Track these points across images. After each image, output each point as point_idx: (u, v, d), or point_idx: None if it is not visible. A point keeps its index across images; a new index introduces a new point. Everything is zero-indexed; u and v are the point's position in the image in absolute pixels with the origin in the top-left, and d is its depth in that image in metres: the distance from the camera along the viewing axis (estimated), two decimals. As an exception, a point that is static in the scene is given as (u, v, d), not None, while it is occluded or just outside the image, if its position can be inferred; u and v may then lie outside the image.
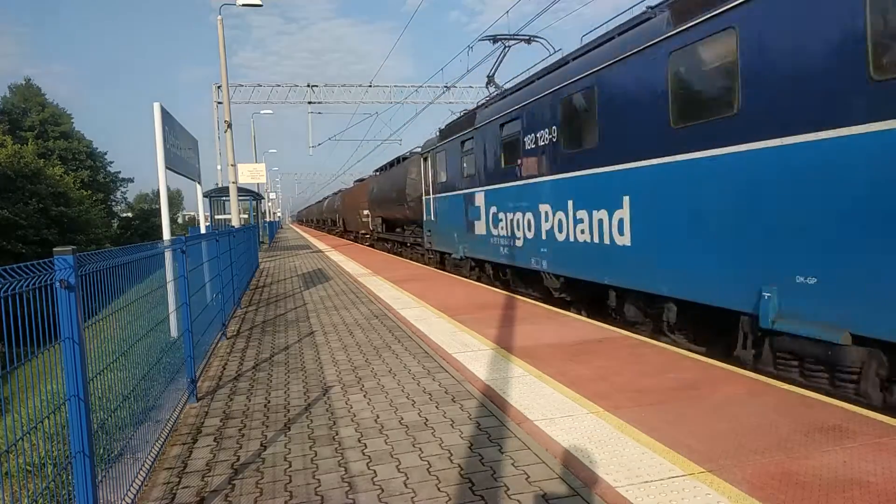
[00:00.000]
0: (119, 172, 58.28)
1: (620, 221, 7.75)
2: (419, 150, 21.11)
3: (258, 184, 33.88)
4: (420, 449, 4.05)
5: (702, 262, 6.28)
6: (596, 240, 8.35)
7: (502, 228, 11.88)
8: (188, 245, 5.69)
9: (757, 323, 5.51)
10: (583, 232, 8.73)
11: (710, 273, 6.17)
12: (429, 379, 5.69)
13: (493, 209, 12.30)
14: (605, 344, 6.71)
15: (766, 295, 5.37)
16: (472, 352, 6.64)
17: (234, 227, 17.26)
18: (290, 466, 3.87)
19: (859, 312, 4.63)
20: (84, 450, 2.70)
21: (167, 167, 7.69)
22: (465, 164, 14.09)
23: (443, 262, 19.03)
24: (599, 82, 8.10)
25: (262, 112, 38.65)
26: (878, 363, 4.78)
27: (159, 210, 9.26)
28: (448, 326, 8.13)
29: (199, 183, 10.85)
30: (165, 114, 7.69)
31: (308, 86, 33.45)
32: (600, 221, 8.23)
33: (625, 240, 7.67)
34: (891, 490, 3.15)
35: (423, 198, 18.08)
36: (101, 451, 3.09)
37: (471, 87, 34.59)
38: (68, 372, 2.66)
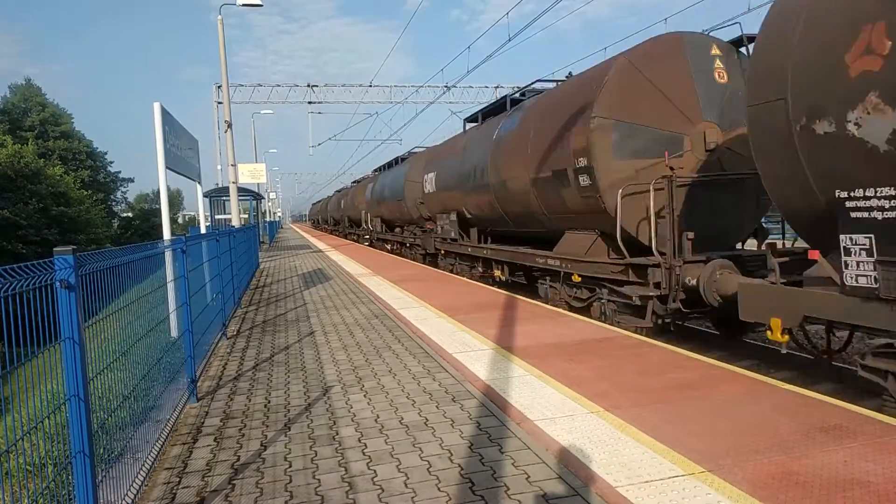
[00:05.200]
0: (119, 172, 58.25)
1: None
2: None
3: (258, 184, 33.86)
4: (420, 449, 4.04)
5: None
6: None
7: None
8: (188, 245, 5.69)
9: None
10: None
11: None
12: (429, 379, 5.69)
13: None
14: (605, 344, 6.71)
15: None
16: (472, 351, 6.64)
17: (234, 226, 17.26)
18: (291, 466, 3.87)
19: None
20: (84, 450, 2.70)
21: (167, 167, 7.69)
22: None
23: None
24: None
25: (262, 112, 38.70)
26: None
27: (159, 210, 9.26)
28: (448, 326, 8.12)
29: (199, 183, 10.84)
30: (165, 113, 7.68)
31: (308, 86, 33.47)
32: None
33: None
34: (891, 490, 3.15)
35: None
36: (102, 451, 3.09)
37: (471, 87, 34.62)
38: (68, 372, 2.66)
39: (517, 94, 13.50)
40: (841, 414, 4.24)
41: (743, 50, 8.55)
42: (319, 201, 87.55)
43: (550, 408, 4.68)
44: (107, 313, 3.33)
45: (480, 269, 14.62)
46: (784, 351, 6.15)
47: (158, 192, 9.19)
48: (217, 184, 30.35)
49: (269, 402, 5.26)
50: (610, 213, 8.35)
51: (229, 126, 21.15)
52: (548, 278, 10.64)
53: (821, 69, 4.94)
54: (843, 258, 4.93)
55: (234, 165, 21.31)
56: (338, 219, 49.88)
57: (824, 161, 4.98)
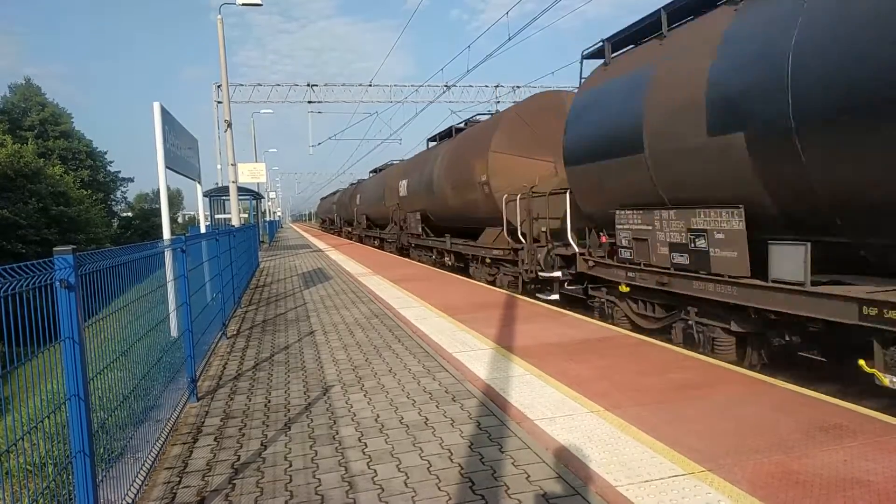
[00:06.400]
0: (119, 172, 58.24)
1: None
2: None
3: (258, 183, 33.87)
4: (420, 448, 4.04)
5: None
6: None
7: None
8: (188, 244, 5.69)
9: None
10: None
11: None
12: (429, 378, 5.69)
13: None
14: (605, 343, 6.71)
15: None
16: (472, 351, 6.64)
17: (234, 226, 17.26)
18: (291, 466, 3.87)
19: None
20: (84, 449, 2.70)
21: (167, 167, 7.69)
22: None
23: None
24: None
25: (261, 111, 38.70)
26: None
27: (159, 209, 9.26)
28: (448, 326, 8.12)
29: (199, 182, 10.84)
30: (165, 113, 7.68)
31: (308, 85, 33.46)
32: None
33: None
34: (891, 489, 3.15)
35: None
36: (102, 450, 3.09)
37: (471, 86, 34.60)
38: (68, 371, 2.66)
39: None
40: (841, 413, 4.24)
41: None
42: (336, 192, 56.66)
43: (550, 407, 4.68)
44: (107, 313, 3.33)
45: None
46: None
47: (158, 191, 9.19)
48: (217, 183, 30.35)
49: (269, 401, 5.26)
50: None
51: (229, 125, 21.14)
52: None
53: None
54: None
55: (233, 165, 21.31)
56: (379, 217, 28.70)
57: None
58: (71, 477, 2.74)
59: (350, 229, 41.00)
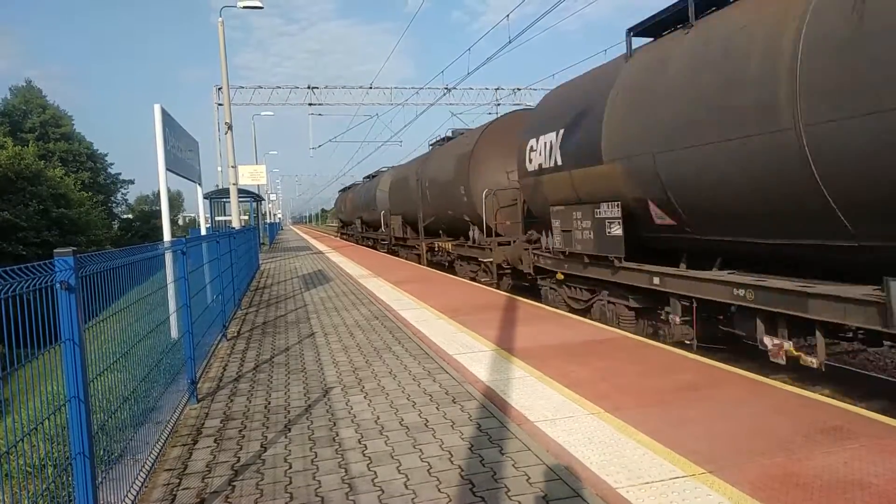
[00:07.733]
0: (120, 174, 58.31)
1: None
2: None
3: (258, 185, 33.87)
4: (420, 450, 4.04)
5: None
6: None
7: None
8: (188, 246, 5.69)
9: None
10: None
11: None
12: (429, 380, 5.69)
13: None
14: (605, 345, 6.71)
15: None
16: (472, 353, 6.64)
17: (234, 228, 17.26)
18: (291, 468, 3.87)
19: None
20: (84, 451, 2.69)
21: (168, 169, 7.69)
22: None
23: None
24: None
25: (262, 114, 38.75)
26: None
27: (160, 211, 9.26)
28: (448, 327, 8.12)
29: (199, 185, 10.85)
30: (166, 115, 7.69)
31: (308, 87, 33.51)
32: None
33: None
34: (892, 491, 3.15)
35: None
36: (102, 452, 3.09)
37: (471, 88, 34.65)
38: (68, 373, 2.66)
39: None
40: (841, 415, 4.24)
41: None
42: (380, 172, 31.68)
43: (551, 409, 4.68)
44: (107, 315, 3.33)
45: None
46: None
47: (159, 193, 9.20)
48: (217, 185, 30.37)
49: (269, 403, 5.26)
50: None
51: (230, 128, 21.16)
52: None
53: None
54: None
55: (234, 167, 21.32)
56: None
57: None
58: (71, 478, 2.74)
59: (431, 244, 19.28)
